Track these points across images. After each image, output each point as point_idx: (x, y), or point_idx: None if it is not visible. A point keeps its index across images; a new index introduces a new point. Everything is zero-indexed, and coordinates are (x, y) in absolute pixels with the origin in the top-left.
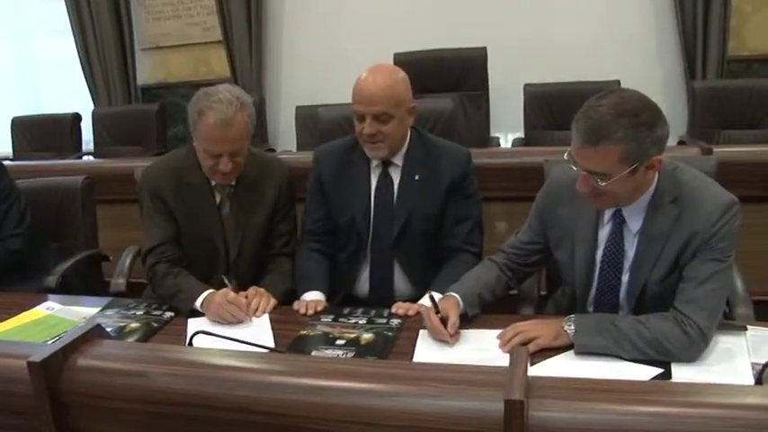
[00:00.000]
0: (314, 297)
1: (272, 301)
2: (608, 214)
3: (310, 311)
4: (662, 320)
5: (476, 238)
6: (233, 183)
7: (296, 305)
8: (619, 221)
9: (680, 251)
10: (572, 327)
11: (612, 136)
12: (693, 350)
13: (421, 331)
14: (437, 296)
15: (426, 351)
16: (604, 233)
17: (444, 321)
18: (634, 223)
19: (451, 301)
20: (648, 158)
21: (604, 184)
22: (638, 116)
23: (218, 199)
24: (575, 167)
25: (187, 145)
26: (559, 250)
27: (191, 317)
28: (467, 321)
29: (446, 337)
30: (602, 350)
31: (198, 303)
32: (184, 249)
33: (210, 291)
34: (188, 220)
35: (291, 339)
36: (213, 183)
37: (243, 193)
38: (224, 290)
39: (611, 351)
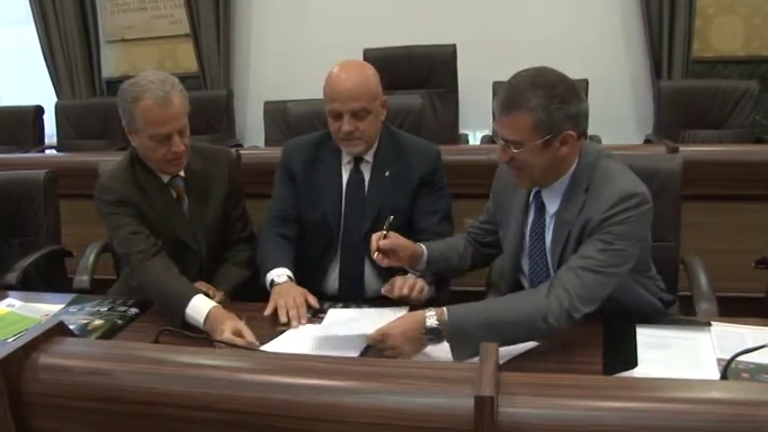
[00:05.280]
0: (281, 272)
1: (216, 298)
2: (531, 197)
3: (294, 323)
4: (526, 301)
5: (445, 228)
6: (183, 175)
7: (269, 311)
8: (538, 204)
9: (578, 237)
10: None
11: (525, 104)
12: (549, 313)
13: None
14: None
15: (284, 344)
16: (531, 214)
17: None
18: (551, 206)
19: (413, 247)
20: (560, 133)
21: (517, 151)
22: (553, 88)
23: (175, 196)
24: (496, 141)
25: (126, 154)
26: (501, 230)
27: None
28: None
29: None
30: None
31: (199, 316)
32: None
33: (214, 305)
34: (158, 222)
35: (270, 337)
36: (166, 181)
37: (195, 184)
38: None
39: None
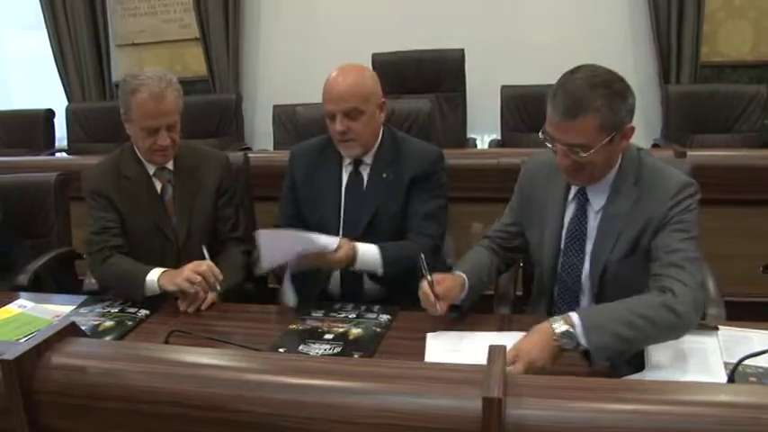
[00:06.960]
0: None
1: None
2: (572, 193)
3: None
4: (647, 298)
5: (430, 226)
6: (171, 168)
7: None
8: (582, 200)
9: (639, 233)
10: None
11: (591, 106)
12: (676, 304)
13: (429, 334)
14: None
15: (437, 352)
16: (570, 211)
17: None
18: (597, 201)
19: (455, 279)
20: (623, 127)
21: (586, 154)
22: (612, 86)
23: (158, 186)
24: (550, 145)
25: (120, 147)
26: (530, 230)
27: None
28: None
29: (433, 308)
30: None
31: (153, 277)
32: (134, 241)
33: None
34: (133, 211)
35: (281, 333)
36: (151, 171)
37: (183, 178)
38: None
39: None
